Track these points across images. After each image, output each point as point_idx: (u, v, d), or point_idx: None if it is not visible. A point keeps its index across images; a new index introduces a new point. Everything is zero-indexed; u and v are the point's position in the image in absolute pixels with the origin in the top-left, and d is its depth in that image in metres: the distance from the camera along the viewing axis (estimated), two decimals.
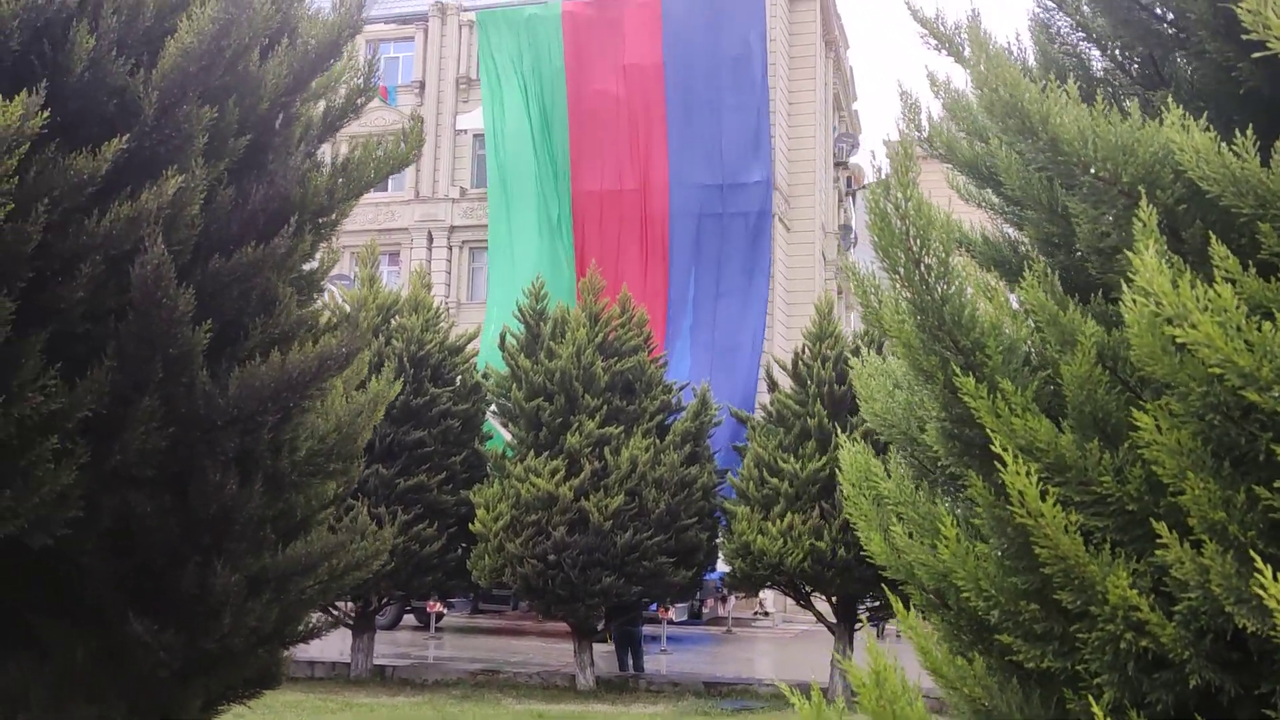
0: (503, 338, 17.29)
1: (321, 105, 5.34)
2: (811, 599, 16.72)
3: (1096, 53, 3.83)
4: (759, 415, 18.14)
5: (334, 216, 5.07)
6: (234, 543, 4.49)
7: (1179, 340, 2.59)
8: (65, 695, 4.18)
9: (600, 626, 17.38)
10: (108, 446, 3.80)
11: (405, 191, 32.24)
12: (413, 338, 17.20)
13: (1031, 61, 4.21)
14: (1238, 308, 2.53)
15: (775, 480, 15.91)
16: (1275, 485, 2.60)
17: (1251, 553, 2.47)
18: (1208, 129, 2.82)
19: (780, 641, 25.84)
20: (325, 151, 5.71)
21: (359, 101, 5.40)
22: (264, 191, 4.37)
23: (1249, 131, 2.72)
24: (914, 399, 4.11)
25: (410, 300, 17.95)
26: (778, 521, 15.55)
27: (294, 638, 5.43)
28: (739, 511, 16.05)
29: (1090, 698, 2.87)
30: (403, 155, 5.29)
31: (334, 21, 4.60)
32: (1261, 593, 2.47)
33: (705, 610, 28.04)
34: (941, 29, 4.29)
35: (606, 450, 15.82)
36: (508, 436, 17.45)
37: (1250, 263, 2.69)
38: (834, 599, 16.25)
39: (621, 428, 16.06)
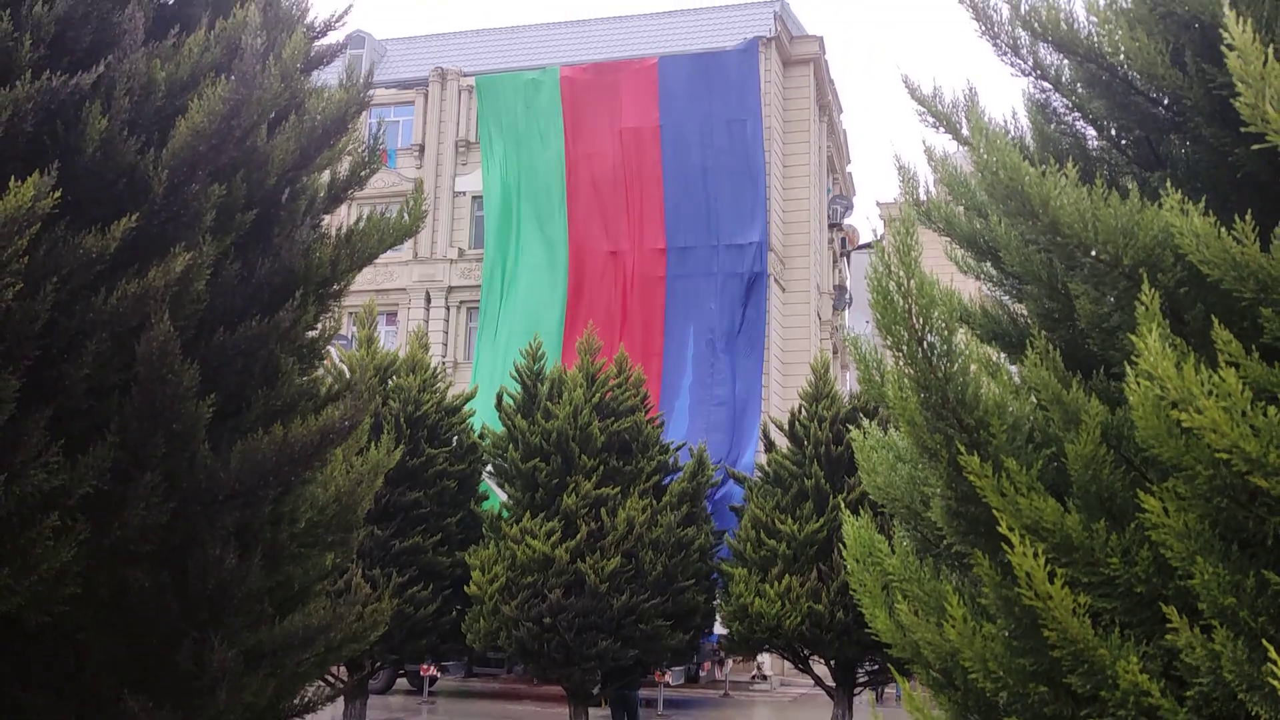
0: (499, 398, 17.27)
1: (326, 176, 5.40)
2: (810, 662, 16.53)
3: (1093, 132, 3.89)
4: (756, 475, 18.08)
5: (337, 287, 5.10)
6: (231, 617, 4.44)
7: (1184, 424, 2.60)
8: None
9: (596, 690, 17.13)
10: (108, 522, 3.77)
11: (404, 252, 32.41)
12: (410, 398, 17.17)
13: (1029, 139, 4.27)
14: (1242, 392, 2.55)
15: (773, 542, 15.81)
16: None
17: (1264, 641, 2.46)
18: (1206, 213, 2.86)
19: (778, 705, 25.47)
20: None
21: (363, 174, 5.45)
22: (269, 265, 4.40)
23: (1248, 216, 2.76)
24: (917, 473, 4.11)
25: (408, 361, 17.96)
26: (775, 583, 15.43)
27: (290, 712, 5.34)
28: (736, 573, 15.93)
29: None
30: (406, 227, 5.34)
31: (341, 98, 4.67)
32: (1274, 680, 2.45)
33: (702, 674, 27.69)
34: (939, 107, 4.36)
35: (603, 511, 15.73)
36: (503, 497, 17.36)
37: (1253, 346, 2.71)
38: (832, 662, 16.06)
39: (618, 488, 15.98)
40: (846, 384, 33.85)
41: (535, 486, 16.11)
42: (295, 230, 4.60)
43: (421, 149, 33.42)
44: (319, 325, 5.40)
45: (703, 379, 27.71)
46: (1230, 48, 2.38)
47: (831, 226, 35.78)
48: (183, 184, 3.70)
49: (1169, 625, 2.74)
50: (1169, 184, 3.04)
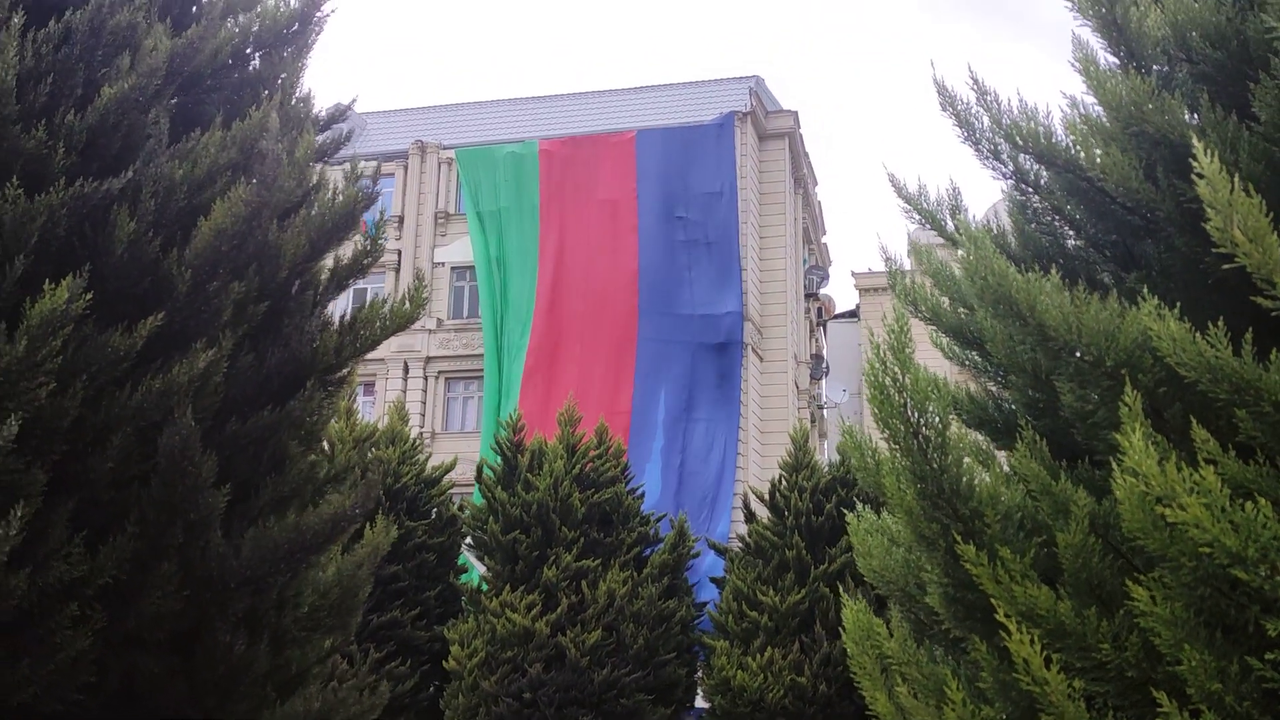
0: (479, 469, 17.30)
1: (329, 261, 5.55)
2: None
3: (1072, 233, 4.12)
4: (736, 546, 18.10)
5: (342, 374, 5.23)
6: (237, 703, 4.48)
7: (1168, 519, 2.76)
8: None
9: None
10: (123, 611, 3.84)
11: None
12: (389, 470, 17.14)
13: (1010, 237, 4.50)
14: (1221, 489, 2.72)
15: (754, 613, 15.79)
16: (1267, 657, 2.75)
17: None
18: (1182, 317, 3.06)
19: None
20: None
21: (365, 262, 5.62)
22: (280, 355, 4.53)
23: (1220, 322, 2.96)
24: (912, 557, 4.25)
25: (387, 432, 17.96)
26: (758, 656, 15.39)
27: None
28: (718, 646, 15.88)
29: None
30: (407, 314, 5.49)
31: (351, 194, 4.85)
32: None
33: None
34: (924, 205, 4.58)
35: (584, 584, 15.68)
36: (483, 570, 17.27)
37: (1230, 444, 2.89)
38: None
39: (599, 560, 15.96)
40: (825, 453, 34.03)
41: (515, 559, 16.06)
42: (305, 320, 4.74)
43: (401, 220, 33.75)
44: (321, 409, 5.52)
45: (675, 442, 27.81)
46: (1200, 175, 2.60)
47: (808, 296, 36.30)
48: (204, 282, 3.85)
49: (1160, 710, 2.88)
50: (1145, 287, 3.24)
